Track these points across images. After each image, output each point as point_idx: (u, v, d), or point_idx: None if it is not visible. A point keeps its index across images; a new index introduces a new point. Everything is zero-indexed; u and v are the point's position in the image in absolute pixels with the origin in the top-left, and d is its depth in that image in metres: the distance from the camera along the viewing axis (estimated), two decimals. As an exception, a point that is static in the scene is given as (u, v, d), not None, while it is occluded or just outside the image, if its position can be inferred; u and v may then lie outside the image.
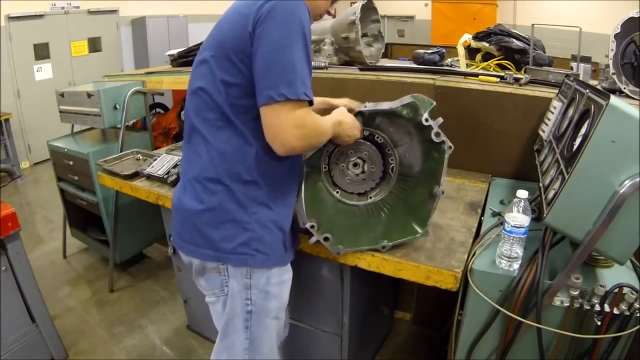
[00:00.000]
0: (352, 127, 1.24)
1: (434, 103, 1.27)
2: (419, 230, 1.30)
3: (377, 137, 1.33)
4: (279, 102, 1.00)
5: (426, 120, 1.21)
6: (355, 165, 1.36)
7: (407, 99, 1.25)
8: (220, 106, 1.10)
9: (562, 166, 1.10)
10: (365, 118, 1.30)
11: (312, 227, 1.24)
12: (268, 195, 1.14)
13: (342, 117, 1.22)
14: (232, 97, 1.08)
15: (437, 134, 1.22)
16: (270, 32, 1.00)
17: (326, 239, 1.27)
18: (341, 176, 1.37)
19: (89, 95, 2.51)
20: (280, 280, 1.21)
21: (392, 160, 1.35)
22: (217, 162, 1.11)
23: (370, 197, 1.38)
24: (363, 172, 1.37)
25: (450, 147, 1.22)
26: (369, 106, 1.28)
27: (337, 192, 1.38)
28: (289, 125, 1.02)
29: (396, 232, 1.32)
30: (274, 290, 1.19)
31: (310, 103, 1.05)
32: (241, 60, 1.05)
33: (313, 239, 1.26)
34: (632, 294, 1.07)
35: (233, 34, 1.06)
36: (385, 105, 1.26)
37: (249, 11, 1.03)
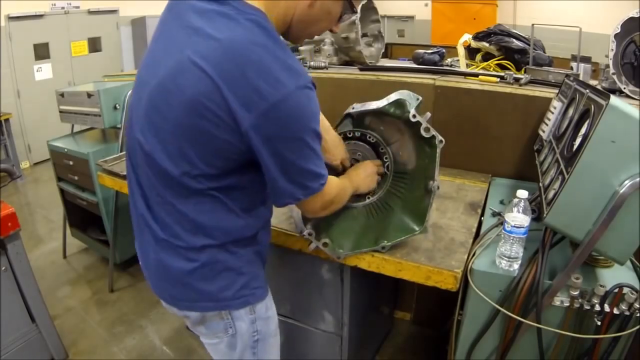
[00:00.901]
0: (367, 175, 1.29)
1: (420, 98, 1.26)
2: (417, 227, 1.29)
3: (370, 137, 1.33)
4: (298, 201, 0.96)
5: (414, 116, 1.20)
6: (351, 166, 1.36)
7: (393, 96, 1.24)
8: (181, 182, 0.90)
9: (562, 166, 1.10)
10: (355, 119, 1.30)
11: (310, 234, 1.24)
12: (254, 235, 1.06)
13: (357, 177, 1.26)
14: (200, 182, 0.90)
15: (427, 129, 1.20)
16: (277, 144, 0.83)
17: (325, 244, 1.26)
18: None
19: (89, 95, 2.51)
20: (270, 300, 1.18)
21: (386, 158, 1.35)
22: (195, 234, 0.96)
23: (369, 197, 1.38)
24: None
25: (441, 141, 1.21)
26: (357, 107, 1.27)
27: None
28: (314, 210, 1.02)
29: (395, 231, 1.32)
30: (271, 312, 1.17)
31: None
32: (216, 156, 0.87)
33: (312, 246, 1.26)
34: (632, 294, 1.07)
35: (195, 117, 0.81)
36: (373, 105, 1.25)
37: (217, 80, 0.77)
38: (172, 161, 0.89)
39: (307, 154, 0.88)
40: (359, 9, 2.19)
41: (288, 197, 0.93)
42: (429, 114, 1.25)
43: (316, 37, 2.44)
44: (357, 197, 1.38)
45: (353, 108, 1.28)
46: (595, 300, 1.10)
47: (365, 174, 1.29)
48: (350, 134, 1.33)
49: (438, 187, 1.23)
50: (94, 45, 5.62)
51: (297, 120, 0.83)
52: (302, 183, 0.91)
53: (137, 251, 1.11)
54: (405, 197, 1.34)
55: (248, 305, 1.08)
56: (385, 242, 1.29)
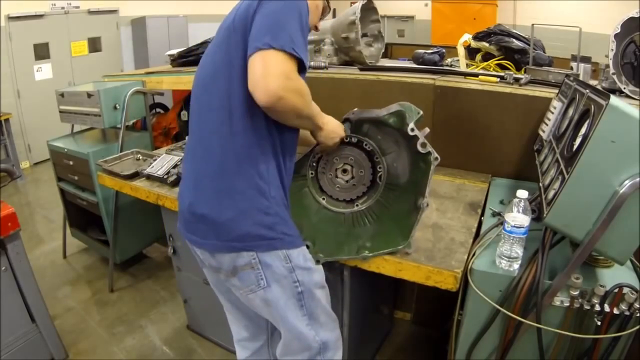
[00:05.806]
0: (335, 129, 1.26)
1: (421, 112, 1.24)
2: (402, 242, 1.27)
3: (366, 145, 1.31)
4: (264, 50, 0.98)
5: (412, 130, 1.18)
6: (344, 171, 1.36)
7: (394, 107, 1.23)
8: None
9: (562, 166, 1.10)
10: (353, 125, 1.29)
11: None
12: (279, 174, 1.14)
13: (327, 118, 1.24)
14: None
15: (423, 145, 1.18)
16: (269, 5, 1.03)
17: (307, 247, 1.26)
18: (330, 184, 1.37)
19: (89, 95, 2.51)
20: (307, 253, 1.22)
21: (380, 168, 1.33)
22: (239, 157, 1.10)
23: (357, 205, 1.37)
24: (352, 177, 1.36)
25: (436, 159, 1.19)
26: (356, 113, 1.27)
27: (324, 199, 1.38)
28: (274, 72, 0.97)
29: (379, 242, 1.30)
30: (312, 264, 1.21)
31: (302, 65, 1.04)
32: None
33: None
34: (632, 294, 1.07)
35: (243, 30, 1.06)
36: (372, 113, 1.24)
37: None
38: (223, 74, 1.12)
39: (291, 17, 1.02)
40: (359, 8, 2.19)
41: (258, 40, 1.00)
42: (427, 130, 1.23)
43: (316, 37, 2.44)
44: (347, 203, 1.38)
45: (352, 113, 1.27)
46: (595, 300, 1.10)
47: (332, 131, 1.27)
48: (347, 139, 1.32)
49: (427, 205, 1.22)
50: (94, 45, 5.63)
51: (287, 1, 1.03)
52: (276, 33, 0.99)
53: None
54: (394, 209, 1.33)
55: (274, 250, 1.13)
56: (367, 252, 1.28)
